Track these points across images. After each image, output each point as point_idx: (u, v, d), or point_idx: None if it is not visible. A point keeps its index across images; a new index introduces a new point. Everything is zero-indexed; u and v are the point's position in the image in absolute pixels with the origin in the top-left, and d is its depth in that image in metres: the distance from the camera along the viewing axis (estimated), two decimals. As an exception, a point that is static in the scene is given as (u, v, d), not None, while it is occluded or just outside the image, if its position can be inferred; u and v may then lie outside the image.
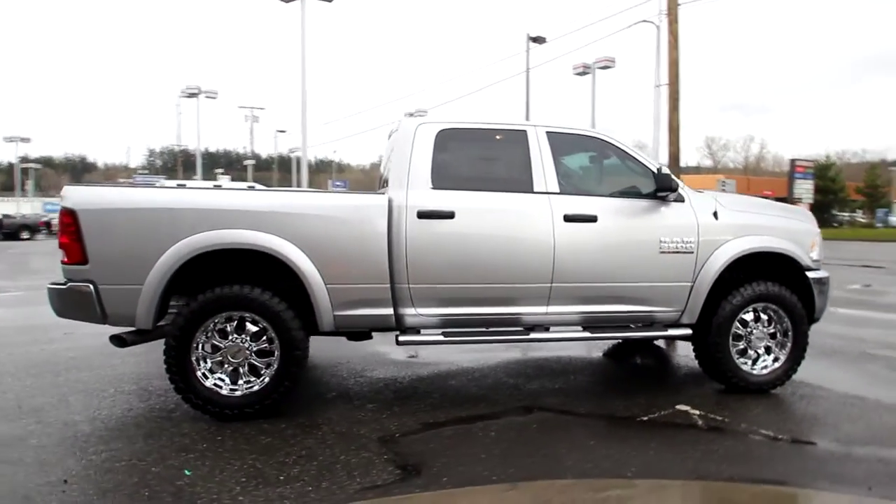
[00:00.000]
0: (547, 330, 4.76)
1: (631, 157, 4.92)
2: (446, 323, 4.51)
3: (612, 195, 4.82)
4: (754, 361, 4.93)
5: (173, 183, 16.43)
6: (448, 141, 4.64)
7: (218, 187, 10.00)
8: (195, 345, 4.11)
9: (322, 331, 4.34)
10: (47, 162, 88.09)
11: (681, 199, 4.82)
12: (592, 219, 4.62)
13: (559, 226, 4.55)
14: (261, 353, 4.21)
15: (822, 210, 47.47)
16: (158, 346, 4.46)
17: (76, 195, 4.13)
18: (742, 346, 4.91)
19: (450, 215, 4.41)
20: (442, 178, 4.52)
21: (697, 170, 71.57)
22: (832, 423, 4.28)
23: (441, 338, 4.47)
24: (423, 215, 4.38)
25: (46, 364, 5.70)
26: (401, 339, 4.43)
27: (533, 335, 4.68)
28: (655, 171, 4.76)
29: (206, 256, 4.12)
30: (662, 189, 4.71)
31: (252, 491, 3.12)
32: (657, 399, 4.72)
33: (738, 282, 4.90)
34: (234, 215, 4.18)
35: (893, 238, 36.83)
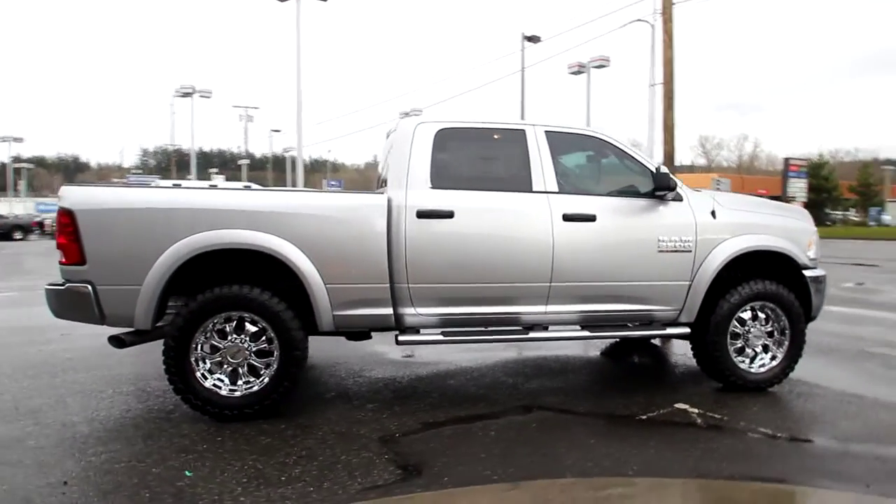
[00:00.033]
0: (546, 329, 4.77)
1: (629, 156, 4.93)
2: (446, 322, 4.51)
3: (610, 194, 4.83)
4: (752, 360, 4.95)
5: (168, 183, 16.38)
6: (447, 140, 4.64)
7: (213, 187, 9.97)
8: (194, 345, 4.10)
9: (321, 331, 4.34)
10: (40, 162, 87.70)
11: (679, 199, 4.84)
12: (591, 218, 4.63)
13: (558, 225, 4.56)
14: (260, 354, 4.20)
15: (816, 208, 47.59)
16: (154, 346, 4.46)
17: (74, 195, 4.11)
18: (740, 345, 4.93)
19: (449, 215, 4.41)
20: (441, 178, 4.52)
21: (691, 168, 71.86)
22: (830, 421, 4.31)
23: (441, 337, 4.48)
24: (422, 215, 4.38)
25: (43, 365, 5.67)
26: (400, 338, 4.43)
27: (532, 334, 4.69)
28: (654, 170, 4.77)
29: (204, 256, 4.10)
30: (661, 188, 4.72)
31: (253, 492, 3.11)
32: (655, 398, 4.73)
33: (736, 280, 4.92)
34: (233, 215, 4.16)
35: (886, 236, 37.08)
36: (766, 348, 4.97)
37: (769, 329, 4.97)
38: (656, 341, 6.64)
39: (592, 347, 6.60)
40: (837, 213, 62.18)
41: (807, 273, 5.06)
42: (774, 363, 4.95)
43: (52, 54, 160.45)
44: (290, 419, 4.19)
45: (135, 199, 4.22)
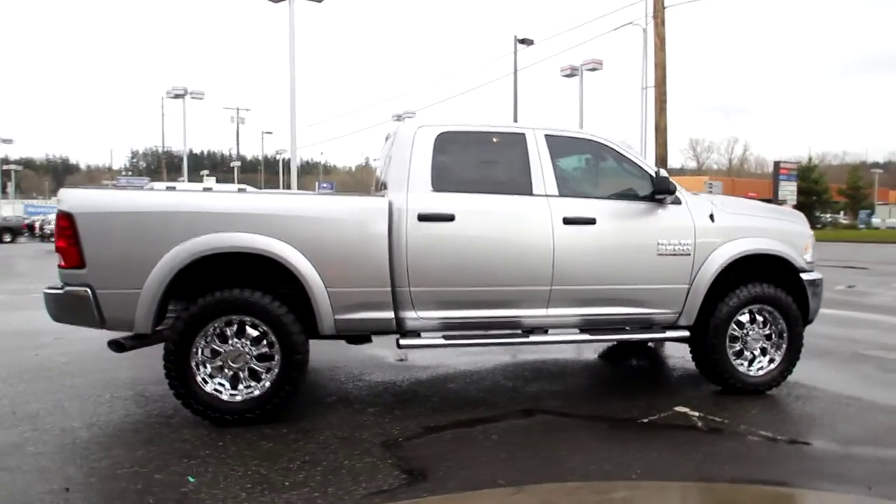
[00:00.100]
0: (546, 332, 4.79)
1: (628, 159, 4.95)
2: (447, 326, 4.51)
3: (610, 198, 4.85)
4: (750, 363, 4.98)
5: (161, 185, 16.28)
6: (447, 144, 4.64)
7: (208, 190, 9.92)
8: (195, 349, 4.07)
9: (322, 334, 4.32)
10: (28, 163, 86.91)
11: (678, 202, 4.87)
12: (591, 221, 4.65)
13: (558, 228, 4.57)
14: (261, 358, 4.18)
15: (806, 211, 47.90)
16: (150, 350, 4.43)
17: (74, 198, 4.08)
18: (738, 348, 4.95)
19: (450, 218, 4.41)
20: (442, 181, 4.52)
21: (681, 171, 72.21)
22: (829, 424, 4.34)
23: (442, 341, 4.48)
24: (423, 218, 4.38)
25: (39, 369, 5.62)
26: (402, 342, 4.42)
27: (532, 338, 4.70)
28: (653, 173, 4.79)
29: (205, 260, 4.08)
30: (660, 192, 4.74)
31: (258, 497, 3.10)
32: (656, 401, 4.75)
33: (734, 284, 4.95)
34: (234, 218, 4.15)
35: (875, 239, 37.40)
36: (764, 351, 5.00)
37: (767, 332, 5.00)
38: (651, 344, 6.66)
39: (589, 350, 6.61)
40: (827, 216, 62.66)
41: (804, 276, 5.09)
42: (773, 366, 4.98)
43: (41, 55, 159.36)
44: (291, 423, 4.17)
45: (135, 202, 4.20)
